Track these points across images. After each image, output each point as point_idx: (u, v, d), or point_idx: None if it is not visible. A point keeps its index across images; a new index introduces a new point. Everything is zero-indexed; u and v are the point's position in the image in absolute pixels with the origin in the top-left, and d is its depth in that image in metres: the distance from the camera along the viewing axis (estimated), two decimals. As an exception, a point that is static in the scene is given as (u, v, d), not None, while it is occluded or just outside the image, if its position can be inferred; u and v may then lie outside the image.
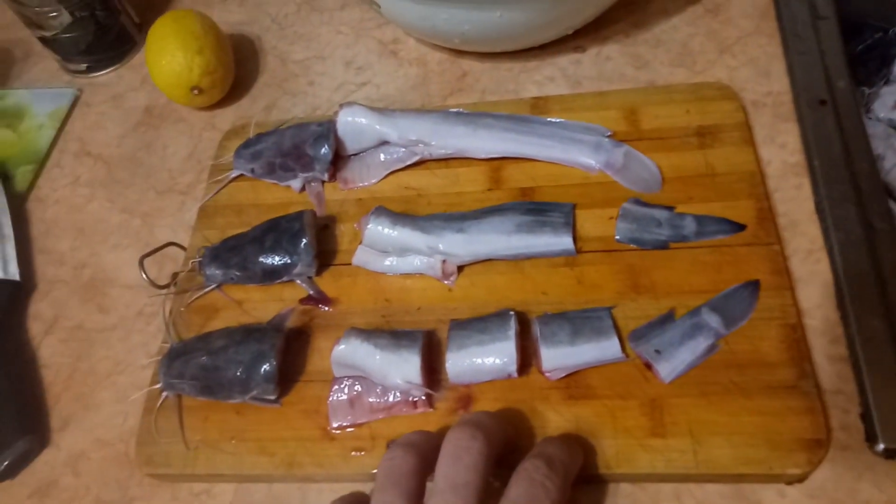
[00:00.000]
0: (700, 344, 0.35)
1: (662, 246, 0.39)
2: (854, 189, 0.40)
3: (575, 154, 0.43)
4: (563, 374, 0.35)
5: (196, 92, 0.51)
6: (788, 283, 0.36)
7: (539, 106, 0.46)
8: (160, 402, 0.39)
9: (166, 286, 0.43)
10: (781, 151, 0.42)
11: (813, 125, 0.43)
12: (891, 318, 0.35)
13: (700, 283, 0.37)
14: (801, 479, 0.32)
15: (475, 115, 0.45)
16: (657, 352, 0.35)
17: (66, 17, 0.55)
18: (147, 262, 0.42)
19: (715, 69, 0.47)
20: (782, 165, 0.42)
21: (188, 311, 0.42)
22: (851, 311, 0.36)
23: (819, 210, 0.40)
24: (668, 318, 0.36)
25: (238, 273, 0.41)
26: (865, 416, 0.33)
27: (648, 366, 0.35)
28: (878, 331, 0.35)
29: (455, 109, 0.46)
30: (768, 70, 0.46)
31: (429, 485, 0.29)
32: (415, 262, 0.40)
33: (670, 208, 0.40)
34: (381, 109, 0.45)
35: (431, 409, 0.36)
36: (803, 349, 0.34)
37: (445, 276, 0.40)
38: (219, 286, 0.42)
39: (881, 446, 0.32)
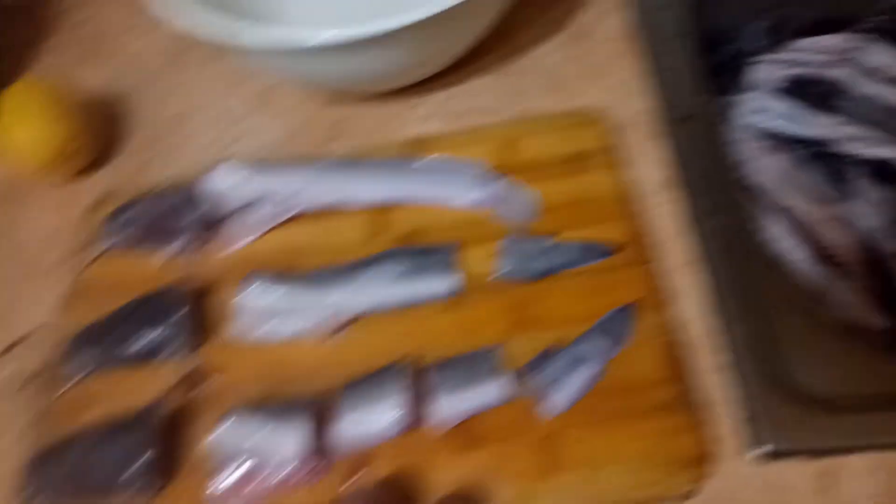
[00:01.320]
0: (585, 372, 0.35)
1: (544, 276, 0.39)
2: (723, 198, 0.42)
3: (454, 193, 0.43)
4: (456, 423, 0.34)
5: (57, 163, 0.48)
6: (665, 299, 0.37)
7: (419, 145, 0.46)
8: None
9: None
10: (651, 169, 0.44)
11: (679, 140, 0.45)
12: (766, 323, 0.37)
13: (582, 310, 0.37)
14: (692, 495, 0.33)
15: (352, 163, 0.44)
16: (545, 386, 0.35)
17: None
18: (4, 359, 0.39)
19: (585, 93, 0.49)
20: (653, 183, 0.43)
21: (55, 407, 0.39)
22: (727, 319, 0.37)
23: (690, 223, 0.41)
24: (552, 351, 0.36)
25: (109, 358, 0.38)
26: (748, 422, 0.34)
27: (538, 401, 0.35)
28: (754, 337, 0.36)
29: (332, 159, 0.45)
30: (634, 90, 0.48)
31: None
32: (298, 325, 0.39)
33: (549, 237, 0.40)
34: (257, 164, 0.44)
35: (325, 478, 0.34)
36: (684, 364, 0.35)
37: (332, 333, 0.38)
38: (87, 375, 0.39)
39: (765, 449, 0.33)
